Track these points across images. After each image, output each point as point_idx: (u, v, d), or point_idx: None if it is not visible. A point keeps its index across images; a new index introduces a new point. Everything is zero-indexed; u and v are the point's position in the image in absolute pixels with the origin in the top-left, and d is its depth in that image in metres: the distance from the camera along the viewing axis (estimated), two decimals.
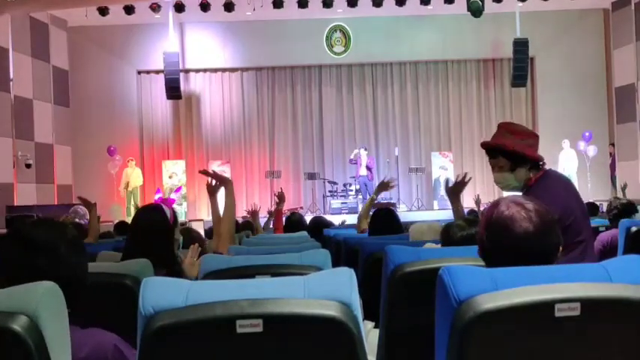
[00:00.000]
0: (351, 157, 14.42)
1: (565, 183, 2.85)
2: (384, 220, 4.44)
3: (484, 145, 2.90)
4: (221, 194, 3.77)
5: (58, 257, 1.59)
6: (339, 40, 15.45)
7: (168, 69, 14.31)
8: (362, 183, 14.25)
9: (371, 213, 5.13)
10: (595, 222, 5.23)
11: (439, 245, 2.81)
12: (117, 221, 9.48)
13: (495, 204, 1.71)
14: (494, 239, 1.67)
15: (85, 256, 1.69)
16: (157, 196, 13.74)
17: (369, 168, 14.23)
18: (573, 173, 13.45)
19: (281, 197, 6.17)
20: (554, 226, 1.68)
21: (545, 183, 2.75)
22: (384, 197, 14.63)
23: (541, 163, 2.79)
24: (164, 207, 2.82)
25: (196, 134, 15.68)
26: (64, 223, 1.76)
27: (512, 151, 2.75)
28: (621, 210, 4.84)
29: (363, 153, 14.31)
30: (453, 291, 1.35)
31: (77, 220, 11.97)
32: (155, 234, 2.72)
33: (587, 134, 14.36)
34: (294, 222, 5.80)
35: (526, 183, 2.77)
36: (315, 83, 15.89)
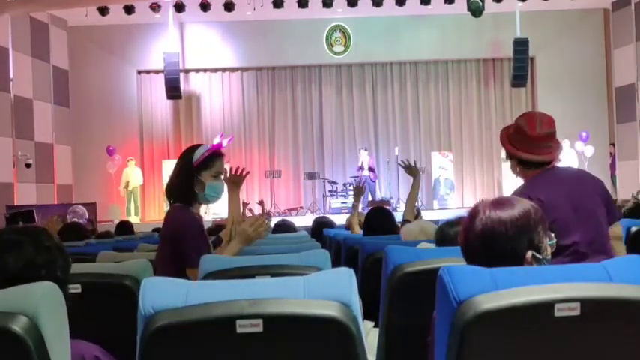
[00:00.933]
0: (359, 164, 14.46)
1: (559, 180, 2.70)
2: (378, 219, 4.40)
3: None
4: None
5: (22, 256, 1.58)
6: (339, 40, 15.45)
7: (168, 69, 14.32)
8: (365, 183, 14.30)
9: (365, 211, 5.21)
10: None
11: (432, 245, 2.81)
12: (116, 221, 9.48)
13: (476, 212, 1.71)
14: (474, 246, 1.68)
15: (59, 257, 1.66)
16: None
17: (371, 169, 14.29)
18: None
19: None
20: (523, 230, 1.68)
21: (532, 180, 2.69)
22: (383, 196, 14.68)
23: (539, 163, 2.68)
24: (203, 146, 2.95)
25: (196, 134, 15.68)
26: (38, 227, 1.72)
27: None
28: (630, 211, 4.82)
29: (364, 153, 14.35)
30: (453, 291, 1.35)
31: (76, 219, 11.99)
32: (175, 170, 2.95)
33: (584, 134, 14.37)
34: (284, 228, 5.67)
35: (523, 176, 2.74)
36: (315, 83, 15.89)
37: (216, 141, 2.99)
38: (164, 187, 13.10)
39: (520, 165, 2.72)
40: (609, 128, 15.08)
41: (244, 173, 3.38)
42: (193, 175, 2.88)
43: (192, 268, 2.67)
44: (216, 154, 2.94)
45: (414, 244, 2.78)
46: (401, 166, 5.29)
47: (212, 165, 2.91)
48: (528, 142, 2.68)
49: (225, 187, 3.19)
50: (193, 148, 2.96)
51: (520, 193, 2.60)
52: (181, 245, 2.80)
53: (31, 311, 1.25)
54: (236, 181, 3.37)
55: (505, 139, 2.76)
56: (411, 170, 5.03)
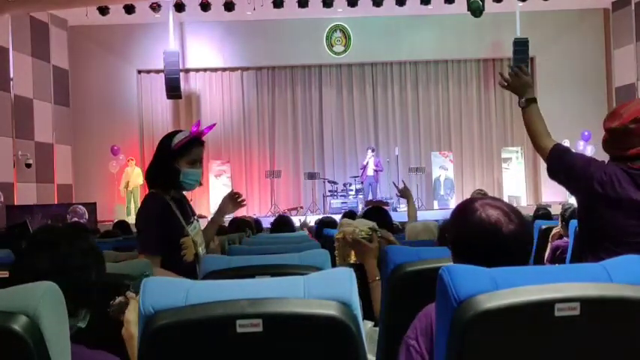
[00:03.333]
0: (364, 162, 14.44)
1: (604, 172, 2.52)
2: (375, 218, 4.40)
3: None
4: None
5: (56, 257, 1.55)
6: (339, 40, 15.45)
7: (169, 68, 14.32)
8: (367, 184, 14.30)
9: (363, 208, 5.28)
10: (549, 223, 5.41)
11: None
12: (117, 221, 9.47)
13: (472, 210, 1.69)
14: (482, 244, 1.65)
15: (94, 260, 1.63)
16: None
17: (376, 170, 14.30)
18: None
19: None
20: (528, 222, 1.71)
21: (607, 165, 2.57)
22: (383, 196, 14.68)
23: (621, 158, 2.53)
24: (183, 132, 2.91)
25: None
26: (79, 229, 1.68)
27: None
28: (572, 212, 4.88)
29: (370, 153, 14.34)
30: (453, 290, 1.34)
31: (76, 219, 11.99)
32: (154, 155, 2.93)
33: (586, 133, 14.37)
34: (282, 224, 5.58)
35: None
36: (315, 83, 15.89)
37: (194, 128, 2.93)
38: None
39: (608, 152, 2.63)
40: None
41: (242, 202, 3.25)
42: (170, 160, 2.85)
43: (141, 254, 2.77)
44: (195, 141, 2.89)
45: (416, 244, 2.78)
46: (395, 186, 5.41)
47: (189, 152, 2.87)
48: (611, 135, 2.56)
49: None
50: (173, 134, 2.91)
51: (591, 160, 2.56)
52: (137, 231, 2.87)
53: (31, 311, 1.25)
54: (233, 205, 3.23)
55: (606, 128, 2.63)
56: (404, 193, 5.11)
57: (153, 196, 2.89)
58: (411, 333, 1.64)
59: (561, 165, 2.61)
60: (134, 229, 7.77)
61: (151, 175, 2.93)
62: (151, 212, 2.86)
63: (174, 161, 2.84)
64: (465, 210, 1.72)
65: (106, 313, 1.79)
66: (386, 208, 7.11)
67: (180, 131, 2.94)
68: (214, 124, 3.32)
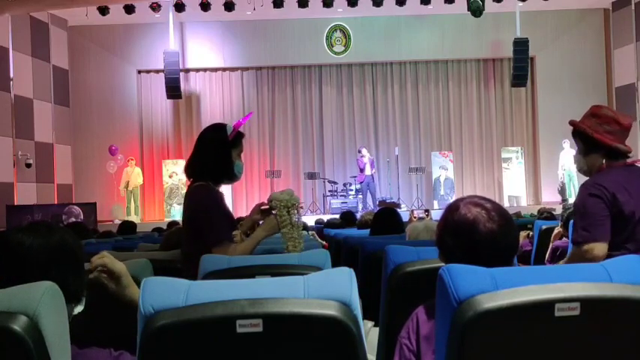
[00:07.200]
0: (364, 162, 14.28)
1: (625, 179, 2.58)
2: (386, 219, 4.45)
3: (570, 124, 2.83)
4: None
5: (31, 264, 1.48)
6: (339, 40, 15.46)
7: (169, 68, 14.33)
8: (365, 183, 14.21)
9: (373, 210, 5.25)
10: (549, 223, 5.43)
11: None
12: (117, 221, 9.48)
13: (455, 207, 1.70)
14: (459, 242, 1.66)
15: (74, 264, 1.56)
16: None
17: (371, 167, 14.25)
18: (574, 173, 13.45)
19: None
20: (514, 223, 1.69)
21: (602, 173, 2.61)
22: (386, 197, 14.67)
23: (624, 153, 2.59)
24: (227, 125, 2.90)
25: (196, 134, 15.54)
26: (53, 227, 1.57)
27: (583, 133, 2.69)
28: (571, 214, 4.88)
29: (366, 153, 14.28)
30: (453, 290, 1.34)
31: (72, 219, 12.00)
32: (206, 148, 2.87)
33: None
34: None
35: (598, 170, 2.66)
36: (315, 83, 15.90)
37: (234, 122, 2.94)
38: (164, 186, 13.18)
39: (607, 156, 2.63)
40: None
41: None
42: (229, 152, 2.85)
43: (215, 247, 2.66)
44: (241, 134, 2.92)
45: (416, 244, 2.78)
46: None
47: (239, 144, 2.90)
48: (621, 133, 2.59)
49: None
50: (221, 126, 2.91)
51: (595, 183, 2.59)
52: (202, 225, 2.74)
53: (31, 311, 1.25)
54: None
55: (603, 135, 2.63)
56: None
57: (208, 187, 2.83)
58: (404, 332, 1.67)
59: (605, 222, 2.54)
60: (137, 229, 7.78)
61: (202, 167, 2.85)
62: (213, 201, 2.79)
63: (230, 153, 2.87)
64: (450, 208, 1.73)
65: (104, 311, 1.79)
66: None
67: (224, 124, 2.94)
68: (252, 113, 3.34)
